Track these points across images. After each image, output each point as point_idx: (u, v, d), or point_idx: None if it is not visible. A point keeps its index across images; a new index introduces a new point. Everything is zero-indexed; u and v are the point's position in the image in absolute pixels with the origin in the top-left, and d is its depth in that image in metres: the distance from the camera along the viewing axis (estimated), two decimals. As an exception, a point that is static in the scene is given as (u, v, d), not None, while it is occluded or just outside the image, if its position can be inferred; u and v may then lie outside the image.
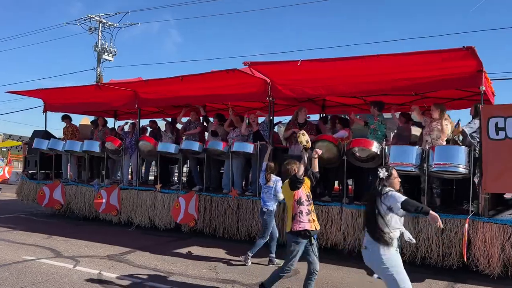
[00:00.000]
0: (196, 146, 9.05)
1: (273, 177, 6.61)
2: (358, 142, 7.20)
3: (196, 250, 7.72)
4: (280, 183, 6.41)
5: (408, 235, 4.26)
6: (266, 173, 6.63)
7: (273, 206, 6.62)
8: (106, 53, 28.14)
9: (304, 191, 4.83)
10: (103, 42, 28.15)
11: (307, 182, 4.90)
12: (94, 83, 22.99)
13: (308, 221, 4.71)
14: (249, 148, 8.34)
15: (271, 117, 8.49)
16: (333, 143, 7.38)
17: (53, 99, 11.87)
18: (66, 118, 12.03)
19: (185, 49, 79.81)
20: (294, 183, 4.71)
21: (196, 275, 6.16)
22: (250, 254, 6.71)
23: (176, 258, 7.06)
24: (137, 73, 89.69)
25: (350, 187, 8.53)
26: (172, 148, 9.44)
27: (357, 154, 7.22)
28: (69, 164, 11.76)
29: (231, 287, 5.68)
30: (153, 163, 11.59)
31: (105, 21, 28.10)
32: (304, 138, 4.84)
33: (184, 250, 7.64)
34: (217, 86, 8.71)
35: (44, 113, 12.07)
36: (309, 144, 4.87)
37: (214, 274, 6.23)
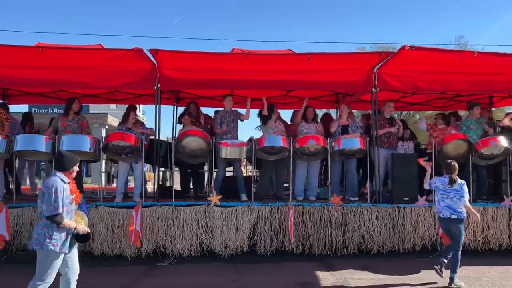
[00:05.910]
0: (279, 141, 7.06)
1: (458, 179, 5.89)
2: (487, 141, 7.21)
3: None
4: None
5: None
6: (453, 174, 5.82)
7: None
8: None
9: None
10: None
11: None
12: None
13: None
14: (357, 143, 7.15)
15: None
16: (463, 139, 7.17)
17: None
18: None
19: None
20: None
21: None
22: (455, 275, 5.63)
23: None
24: None
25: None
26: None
27: (485, 153, 7.25)
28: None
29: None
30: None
31: None
32: None
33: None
34: (306, 70, 7.07)
35: None
36: None
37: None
